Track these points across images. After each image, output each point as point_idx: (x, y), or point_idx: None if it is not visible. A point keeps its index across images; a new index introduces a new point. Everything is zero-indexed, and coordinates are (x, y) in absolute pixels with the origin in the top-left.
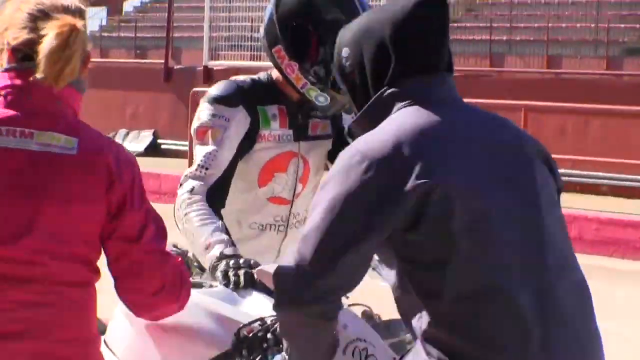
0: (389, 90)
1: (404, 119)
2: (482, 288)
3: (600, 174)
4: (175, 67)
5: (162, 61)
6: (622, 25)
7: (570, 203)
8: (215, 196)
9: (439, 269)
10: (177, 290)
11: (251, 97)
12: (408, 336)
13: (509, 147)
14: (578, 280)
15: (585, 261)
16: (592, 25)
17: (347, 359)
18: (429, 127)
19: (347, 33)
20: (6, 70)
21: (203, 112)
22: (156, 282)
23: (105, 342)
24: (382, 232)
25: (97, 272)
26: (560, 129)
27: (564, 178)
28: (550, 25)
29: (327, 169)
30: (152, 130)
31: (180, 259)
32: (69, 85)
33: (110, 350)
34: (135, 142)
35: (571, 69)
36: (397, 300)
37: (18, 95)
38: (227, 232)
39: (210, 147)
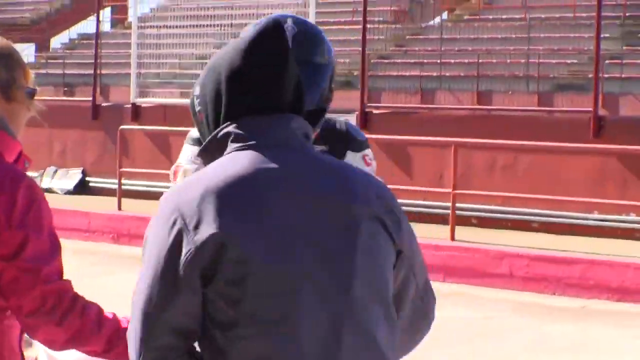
0: (223, 131)
1: (225, 165)
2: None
3: (531, 210)
4: (103, 105)
5: (90, 98)
6: (554, 61)
7: (501, 240)
8: None
9: (229, 332)
10: (59, 312)
11: None
12: None
13: (334, 205)
14: None
15: (517, 297)
16: (523, 60)
17: None
18: (245, 177)
19: (202, 71)
20: None
21: (182, 153)
22: (29, 302)
23: None
24: (190, 287)
25: None
26: (490, 165)
27: (494, 215)
28: (480, 60)
29: None
30: (81, 169)
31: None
32: None
33: None
34: (64, 179)
35: (502, 104)
36: None
37: None
38: None
39: None
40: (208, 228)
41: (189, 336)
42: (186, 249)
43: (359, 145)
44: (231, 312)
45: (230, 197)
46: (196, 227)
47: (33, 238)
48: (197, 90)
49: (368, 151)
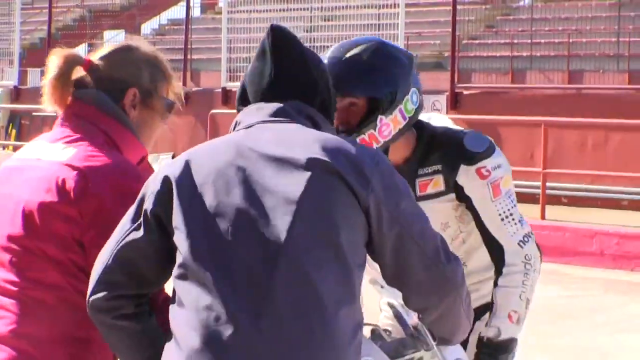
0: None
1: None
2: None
3: (621, 188)
4: (193, 90)
5: (181, 84)
6: None
7: (591, 218)
8: None
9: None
10: None
11: None
12: (417, 354)
13: (285, 160)
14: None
15: (607, 276)
16: (614, 39)
17: None
18: (213, 142)
19: None
20: None
21: None
22: None
23: None
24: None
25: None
26: (580, 144)
27: (584, 194)
28: (571, 40)
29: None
30: (171, 154)
31: None
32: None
33: None
34: (155, 164)
35: (592, 83)
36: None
37: None
38: None
39: None
40: (162, 175)
41: (138, 278)
42: (146, 193)
43: (470, 157)
44: (177, 245)
45: (190, 153)
46: (157, 175)
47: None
48: None
49: (487, 161)
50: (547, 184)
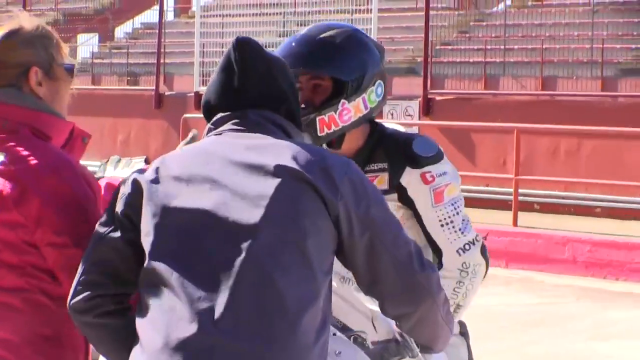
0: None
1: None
2: None
3: (594, 195)
4: (166, 94)
5: (153, 87)
6: (618, 46)
7: (564, 225)
8: None
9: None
10: None
11: None
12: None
13: (255, 167)
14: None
15: (580, 283)
16: (587, 46)
17: None
18: (186, 150)
19: None
20: None
21: None
22: None
23: None
24: (118, 224)
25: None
26: (553, 150)
27: (556, 200)
28: (544, 46)
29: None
30: (144, 157)
31: None
32: None
33: None
34: (127, 168)
35: (566, 90)
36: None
37: None
38: None
39: None
40: (132, 178)
41: (117, 278)
42: (118, 195)
43: (417, 162)
44: (144, 248)
45: (161, 159)
46: (128, 179)
47: (81, 221)
48: None
49: (433, 167)
50: (520, 190)
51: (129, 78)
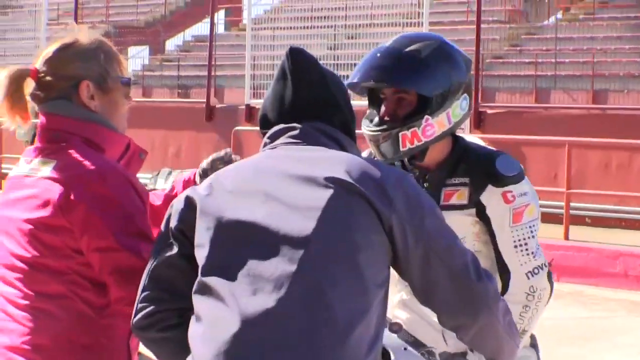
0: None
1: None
2: None
3: None
4: (217, 106)
5: (204, 100)
6: None
7: (615, 239)
8: None
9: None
10: None
11: None
12: None
13: (308, 179)
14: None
15: (631, 297)
16: (639, 59)
17: None
18: (241, 163)
19: None
20: None
21: None
22: (134, 290)
23: None
24: (173, 240)
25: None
26: (605, 164)
27: (608, 214)
28: (595, 60)
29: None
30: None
31: None
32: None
33: None
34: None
35: (617, 103)
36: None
37: None
38: None
39: None
40: (185, 195)
41: (175, 293)
42: (172, 212)
43: (500, 181)
44: (197, 261)
45: (215, 175)
46: (181, 196)
47: (126, 227)
48: None
49: (514, 187)
50: (571, 204)
51: (179, 90)
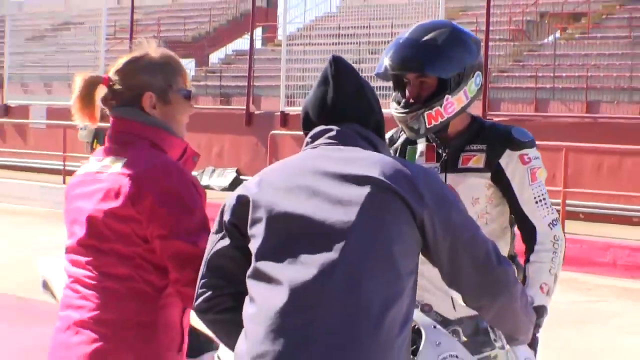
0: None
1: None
2: None
3: (633, 206)
4: (255, 113)
5: (244, 107)
6: None
7: (606, 232)
8: None
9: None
10: None
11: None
12: (492, 352)
13: (344, 178)
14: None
15: (619, 284)
16: (627, 74)
17: None
18: (283, 162)
19: None
20: None
21: None
22: (189, 273)
23: (218, 356)
24: (226, 233)
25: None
26: (597, 167)
27: (600, 211)
28: (589, 74)
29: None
30: (235, 169)
31: None
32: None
33: None
34: (221, 178)
35: (608, 113)
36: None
37: None
38: None
39: None
40: (237, 192)
41: (231, 279)
42: (225, 207)
43: (517, 145)
44: (251, 249)
45: (263, 173)
46: (235, 192)
47: (187, 217)
48: None
49: (529, 150)
50: (567, 201)
51: (222, 98)
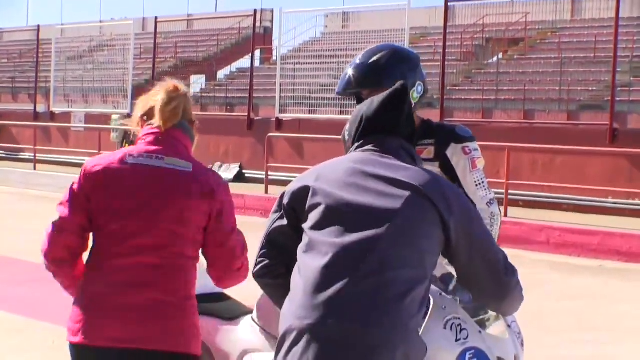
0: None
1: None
2: None
3: (563, 195)
4: (255, 119)
5: (246, 114)
6: (579, 88)
7: (541, 217)
8: None
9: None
10: (243, 266)
11: None
12: (486, 315)
13: (390, 180)
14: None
15: (552, 259)
16: (557, 88)
17: (447, 332)
18: (335, 162)
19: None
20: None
21: None
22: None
23: (252, 319)
24: (289, 219)
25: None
26: (533, 163)
27: (536, 199)
28: (526, 88)
29: None
30: (239, 164)
31: None
32: (175, 128)
33: (257, 323)
34: (226, 172)
35: (541, 120)
36: None
37: (152, 137)
38: None
39: None
40: (298, 181)
41: (284, 251)
42: (285, 192)
43: (459, 139)
44: (305, 227)
45: (319, 167)
46: (295, 181)
47: (231, 218)
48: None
49: (470, 144)
50: (509, 191)
51: (227, 107)
